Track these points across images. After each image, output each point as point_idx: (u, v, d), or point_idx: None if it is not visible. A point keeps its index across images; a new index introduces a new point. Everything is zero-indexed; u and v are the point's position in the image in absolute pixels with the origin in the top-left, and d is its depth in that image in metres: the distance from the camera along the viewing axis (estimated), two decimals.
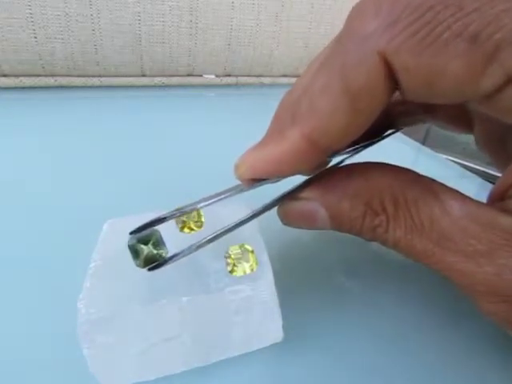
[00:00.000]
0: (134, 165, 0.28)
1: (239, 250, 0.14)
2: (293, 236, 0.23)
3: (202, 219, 0.16)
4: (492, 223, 0.12)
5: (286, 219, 0.16)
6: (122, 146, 0.31)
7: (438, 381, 0.16)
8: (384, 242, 0.14)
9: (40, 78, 0.38)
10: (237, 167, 0.14)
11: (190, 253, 0.14)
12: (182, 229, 0.16)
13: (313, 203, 0.14)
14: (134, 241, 0.13)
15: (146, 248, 0.13)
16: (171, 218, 0.13)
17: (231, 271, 0.14)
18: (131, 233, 0.13)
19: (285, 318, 0.15)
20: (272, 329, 0.15)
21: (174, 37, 0.40)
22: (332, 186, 0.14)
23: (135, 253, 0.13)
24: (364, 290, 0.19)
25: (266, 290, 0.14)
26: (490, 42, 0.09)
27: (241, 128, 0.34)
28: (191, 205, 0.13)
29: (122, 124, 0.35)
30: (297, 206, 0.15)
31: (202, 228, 0.16)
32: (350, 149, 0.17)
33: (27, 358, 0.15)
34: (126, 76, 0.41)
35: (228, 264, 0.14)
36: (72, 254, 0.17)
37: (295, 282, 0.19)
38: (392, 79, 0.11)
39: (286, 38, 0.44)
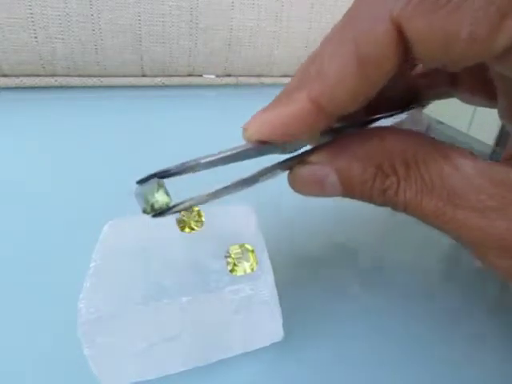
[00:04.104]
0: (134, 165, 0.28)
1: (239, 250, 0.14)
2: (293, 235, 0.23)
3: (203, 219, 0.16)
4: (504, 180, 0.12)
5: (295, 185, 0.15)
6: (122, 146, 0.31)
7: (437, 381, 0.16)
8: (394, 205, 0.14)
9: (40, 77, 0.38)
10: (245, 129, 0.14)
11: (193, 204, 0.14)
12: (182, 228, 0.16)
13: (322, 167, 0.14)
14: (141, 189, 0.13)
15: (156, 195, 0.13)
16: (176, 171, 0.13)
17: (231, 271, 0.14)
18: (138, 182, 0.13)
19: (285, 317, 0.15)
20: (272, 328, 0.15)
21: (174, 37, 0.39)
22: (342, 149, 0.14)
23: (143, 199, 0.13)
24: (365, 290, 0.19)
25: (266, 289, 0.14)
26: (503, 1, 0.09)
27: (241, 128, 0.34)
28: (194, 160, 0.13)
29: (122, 124, 0.35)
30: (305, 170, 0.15)
31: (203, 227, 0.16)
32: (369, 118, 0.16)
33: (27, 358, 0.15)
34: (126, 76, 0.41)
35: (228, 263, 0.14)
36: (72, 254, 0.17)
37: (295, 281, 0.19)
38: (404, 46, 0.11)
39: (285, 38, 0.44)
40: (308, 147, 0.15)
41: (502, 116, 0.17)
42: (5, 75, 0.37)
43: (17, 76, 0.37)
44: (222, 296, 0.14)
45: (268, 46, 0.44)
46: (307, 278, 0.20)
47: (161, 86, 0.43)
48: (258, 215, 0.17)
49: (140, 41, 0.39)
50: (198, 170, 0.13)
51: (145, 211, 0.13)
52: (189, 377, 0.15)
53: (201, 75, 0.44)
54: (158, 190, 0.13)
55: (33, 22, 0.34)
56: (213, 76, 0.44)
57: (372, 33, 0.11)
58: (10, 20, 0.34)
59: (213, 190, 0.14)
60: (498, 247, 0.12)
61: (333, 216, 0.25)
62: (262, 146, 0.14)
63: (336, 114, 0.13)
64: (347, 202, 0.23)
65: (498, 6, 0.09)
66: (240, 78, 0.45)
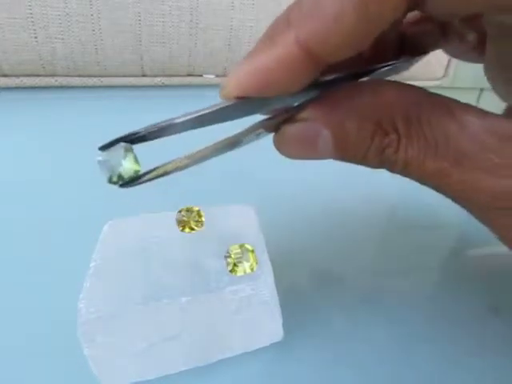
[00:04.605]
0: None
1: (239, 250, 0.14)
2: (293, 235, 0.23)
3: (203, 219, 0.16)
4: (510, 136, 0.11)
5: (283, 147, 0.14)
6: None
7: (437, 381, 0.16)
8: (392, 165, 0.13)
9: (40, 77, 0.38)
10: (222, 87, 0.12)
11: (168, 170, 0.12)
12: (182, 228, 0.16)
13: (314, 124, 0.13)
14: (106, 156, 0.11)
15: (123, 161, 0.11)
16: (146, 134, 0.11)
17: (231, 271, 0.14)
18: (101, 148, 0.11)
19: (285, 317, 0.15)
20: (272, 328, 0.15)
21: (174, 37, 0.39)
22: (335, 104, 0.13)
23: (108, 167, 0.11)
24: (366, 289, 0.19)
25: (266, 289, 0.14)
26: None
27: (241, 128, 0.34)
28: (167, 120, 0.12)
29: (122, 124, 0.35)
30: (294, 128, 0.13)
31: (203, 227, 0.16)
32: (358, 70, 0.14)
33: (28, 358, 0.15)
34: (126, 76, 0.41)
35: (228, 263, 0.14)
36: (72, 253, 0.17)
37: (295, 281, 0.19)
38: None
39: None
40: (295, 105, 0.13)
41: (486, 68, 0.16)
42: (5, 75, 0.37)
43: (17, 76, 0.37)
44: (222, 296, 0.14)
45: None
46: (307, 279, 0.20)
47: (161, 86, 0.43)
48: (258, 215, 0.17)
49: (140, 41, 0.39)
50: (173, 133, 0.12)
51: (110, 181, 0.11)
52: (189, 377, 0.15)
53: (201, 75, 0.44)
54: (125, 157, 0.11)
55: (33, 22, 0.34)
56: (213, 76, 0.44)
57: None
58: (9, 20, 0.34)
59: (192, 151, 0.12)
60: (509, 207, 0.12)
61: (333, 216, 0.25)
62: (242, 103, 0.12)
63: (326, 61, 0.11)
64: (347, 202, 0.23)
65: None
66: None
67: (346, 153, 0.13)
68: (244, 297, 0.14)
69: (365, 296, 0.19)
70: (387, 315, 0.18)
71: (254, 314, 0.14)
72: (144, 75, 0.42)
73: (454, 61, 0.51)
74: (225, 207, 0.17)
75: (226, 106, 0.12)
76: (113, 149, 0.11)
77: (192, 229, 0.16)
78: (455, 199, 0.13)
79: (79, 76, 0.39)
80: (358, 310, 0.18)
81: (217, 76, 0.44)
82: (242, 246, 0.15)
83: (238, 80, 0.12)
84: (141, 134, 0.11)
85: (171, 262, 0.15)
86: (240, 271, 0.14)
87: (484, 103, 0.70)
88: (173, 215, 0.16)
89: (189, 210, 0.16)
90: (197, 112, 0.12)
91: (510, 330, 0.18)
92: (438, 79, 0.52)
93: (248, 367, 0.15)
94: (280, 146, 0.14)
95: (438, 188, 0.13)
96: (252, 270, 0.14)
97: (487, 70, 0.16)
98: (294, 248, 0.22)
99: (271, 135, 0.14)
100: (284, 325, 0.15)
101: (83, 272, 0.14)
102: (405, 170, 0.13)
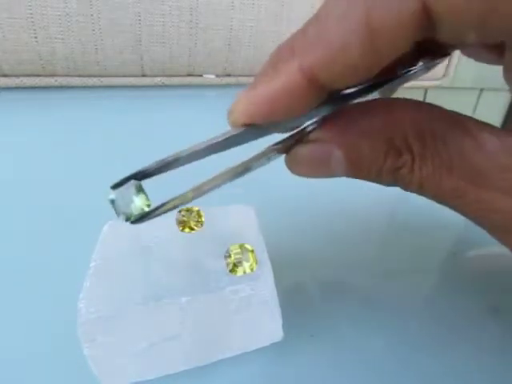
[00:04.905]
0: (134, 165, 0.28)
1: (239, 250, 0.14)
2: (293, 236, 0.23)
3: (203, 219, 0.16)
4: None
5: (295, 167, 0.13)
6: (122, 146, 0.31)
7: (437, 381, 0.16)
8: (407, 185, 0.13)
9: (40, 77, 0.38)
10: (230, 112, 0.12)
11: (177, 205, 0.12)
12: (182, 229, 0.16)
13: (326, 145, 0.13)
14: (117, 194, 0.12)
15: (134, 199, 0.12)
16: (155, 170, 0.12)
17: (231, 271, 0.14)
18: (113, 186, 0.12)
19: (284, 317, 0.15)
20: (272, 328, 0.15)
21: (174, 37, 0.39)
22: (348, 123, 0.12)
23: (120, 206, 0.12)
24: (366, 290, 0.19)
25: (265, 289, 0.14)
26: None
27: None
28: (174, 154, 0.12)
29: (122, 124, 0.35)
30: (307, 149, 0.13)
31: (203, 227, 0.16)
32: (370, 83, 0.14)
33: (28, 358, 0.15)
34: (126, 76, 0.41)
35: (228, 264, 0.14)
36: (72, 254, 0.17)
37: (295, 281, 0.19)
38: (426, 20, 0.09)
39: (285, 38, 0.44)
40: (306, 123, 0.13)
41: (506, 76, 0.15)
42: (5, 75, 0.37)
43: (17, 76, 0.37)
44: (221, 296, 0.14)
45: (268, 46, 0.44)
46: (307, 279, 0.20)
47: (161, 86, 0.43)
48: (258, 215, 0.17)
49: (140, 41, 0.39)
50: (181, 165, 0.12)
51: (123, 219, 0.12)
52: (189, 377, 0.15)
53: (201, 75, 0.44)
54: (135, 194, 0.12)
55: (33, 22, 0.34)
56: (213, 76, 0.44)
57: (392, 3, 0.09)
58: (9, 20, 0.34)
59: (198, 184, 0.12)
60: None
61: (333, 217, 0.25)
62: (250, 130, 0.12)
63: (331, 88, 0.11)
64: (347, 203, 0.23)
65: None
66: (240, 78, 0.45)
67: (359, 172, 0.13)
68: (244, 297, 0.14)
69: (365, 296, 0.19)
70: (387, 316, 0.18)
71: (254, 314, 0.14)
72: (144, 75, 0.42)
73: (454, 61, 0.51)
74: (225, 207, 0.17)
75: (234, 135, 0.12)
76: (123, 187, 0.12)
77: (192, 229, 0.16)
78: (472, 219, 0.12)
79: (79, 76, 0.39)
80: (358, 310, 0.18)
81: (217, 76, 0.44)
82: (241, 246, 0.15)
83: (244, 107, 0.12)
84: (149, 171, 0.12)
85: (171, 262, 0.15)
86: (240, 271, 0.14)
87: (484, 103, 0.70)
88: (173, 215, 0.16)
89: (189, 210, 0.16)
90: (203, 143, 0.12)
91: (509, 330, 0.18)
92: (438, 79, 0.53)
93: (248, 367, 0.15)
94: (292, 167, 0.14)
95: (454, 207, 0.12)
96: (252, 270, 0.14)
97: (506, 72, 0.15)
98: (294, 248, 0.22)
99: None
100: (284, 325, 0.15)
101: (83, 272, 0.14)
102: (420, 189, 0.12)
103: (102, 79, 0.40)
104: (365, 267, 0.21)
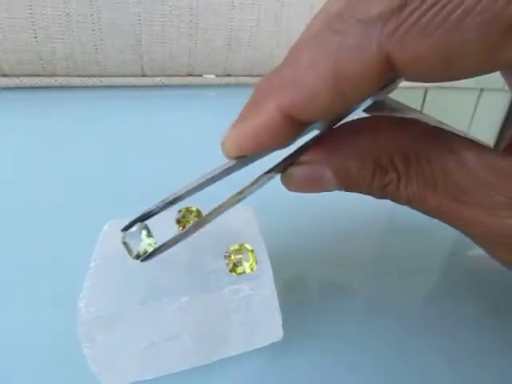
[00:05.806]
0: (134, 165, 0.28)
1: (239, 250, 0.14)
2: (293, 236, 0.23)
3: None
4: (511, 173, 0.11)
5: (290, 186, 0.15)
6: (122, 145, 0.31)
7: (436, 382, 0.16)
8: (395, 200, 0.13)
9: (40, 77, 0.38)
10: (221, 145, 0.13)
11: (181, 238, 0.14)
12: (182, 228, 0.16)
13: (317, 166, 0.14)
14: (127, 237, 0.13)
15: (142, 239, 0.13)
16: (158, 210, 0.13)
17: (231, 270, 0.14)
18: (123, 230, 0.13)
19: (285, 317, 0.15)
20: (272, 328, 0.15)
21: (174, 37, 0.39)
22: (336, 145, 0.13)
23: (130, 246, 0.13)
24: (365, 289, 0.19)
25: (265, 289, 0.14)
26: (508, 12, 0.09)
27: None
28: (175, 193, 0.13)
29: (122, 124, 0.35)
30: (300, 170, 0.14)
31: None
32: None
33: (28, 358, 0.15)
34: (126, 76, 0.41)
35: (228, 263, 0.14)
36: (72, 254, 0.17)
37: (295, 281, 0.19)
38: (388, 70, 0.10)
39: (286, 38, 0.44)
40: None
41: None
42: (5, 75, 0.37)
43: (17, 76, 0.37)
44: (221, 296, 0.14)
45: (268, 45, 0.44)
46: (307, 278, 0.20)
47: (161, 86, 0.43)
48: (257, 215, 0.17)
49: (140, 41, 0.39)
50: (180, 201, 0.13)
51: (134, 257, 0.13)
52: (189, 376, 0.15)
53: (201, 75, 0.44)
54: (142, 235, 0.13)
55: (33, 22, 0.34)
56: (213, 76, 0.44)
57: (357, 54, 0.10)
58: (9, 20, 0.34)
59: (198, 219, 0.14)
60: (506, 244, 0.12)
61: (333, 216, 0.25)
62: (244, 160, 0.13)
63: (308, 123, 0.12)
64: (347, 203, 0.23)
65: (503, 21, 0.09)
66: (240, 78, 0.45)
67: (350, 189, 0.14)
68: (244, 297, 0.14)
69: (365, 296, 0.19)
70: (387, 316, 0.18)
71: (254, 313, 0.15)
72: (144, 75, 0.42)
73: None
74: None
75: (228, 167, 0.13)
76: (132, 230, 0.13)
77: None
78: (459, 230, 0.13)
79: (79, 76, 0.39)
80: (358, 310, 0.18)
81: (217, 76, 0.44)
82: (241, 246, 0.15)
83: (233, 142, 0.13)
84: (153, 213, 0.13)
85: (171, 261, 0.15)
86: (240, 271, 0.14)
87: (484, 103, 0.70)
88: (172, 215, 0.16)
89: (188, 210, 0.16)
90: (200, 179, 0.13)
91: (509, 330, 0.18)
92: None
93: (248, 367, 0.15)
94: (287, 185, 0.15)
95: (443, 221, 0.13)
96: (252, 269, 0.14)
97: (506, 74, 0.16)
98: (294, 248, 0.22)
99: None
100: (284, 325, 0.15)
101: (83, 272, 0.14)
102: (408, 204, 0.13)
103: (101, 79, 0.40)
104: (365, 267, 0.21)
